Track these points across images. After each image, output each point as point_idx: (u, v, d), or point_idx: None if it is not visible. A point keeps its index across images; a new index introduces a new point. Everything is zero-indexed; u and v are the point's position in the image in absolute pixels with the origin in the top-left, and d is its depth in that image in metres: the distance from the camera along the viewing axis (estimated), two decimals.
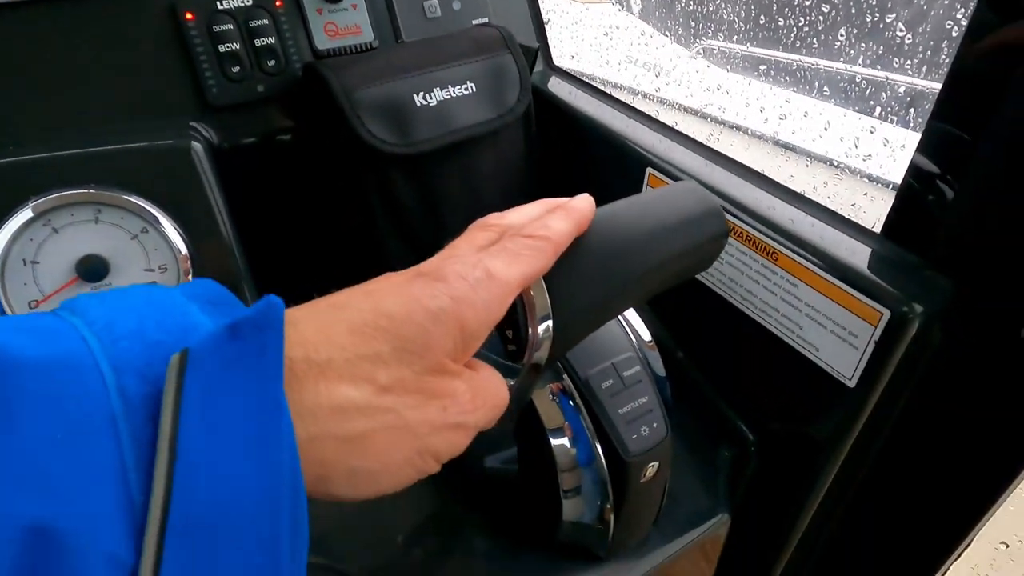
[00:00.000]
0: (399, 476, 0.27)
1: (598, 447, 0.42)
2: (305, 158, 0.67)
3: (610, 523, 0.45)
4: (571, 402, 0.43)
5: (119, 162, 0.52)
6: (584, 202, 0.36)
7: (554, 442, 0.42)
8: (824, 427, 0.52)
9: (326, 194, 0.66)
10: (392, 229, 0.66)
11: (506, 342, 0.39)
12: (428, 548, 0.50)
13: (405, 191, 0.65)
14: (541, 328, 0.35)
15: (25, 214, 0.49)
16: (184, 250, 0.55)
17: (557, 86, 0.79)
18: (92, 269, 0.53)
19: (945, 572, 0.56)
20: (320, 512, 0.50)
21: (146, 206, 0.52)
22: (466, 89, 0.66)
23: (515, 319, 0.36)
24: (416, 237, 0.68)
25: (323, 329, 0.26)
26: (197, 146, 0.55)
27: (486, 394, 0.30)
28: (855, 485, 0.55)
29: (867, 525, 0.58)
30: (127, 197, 0.51)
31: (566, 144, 0.75)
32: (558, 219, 0.34)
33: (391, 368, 0.26)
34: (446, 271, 0.29)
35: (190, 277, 0.55)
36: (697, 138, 0.64)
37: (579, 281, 0.36)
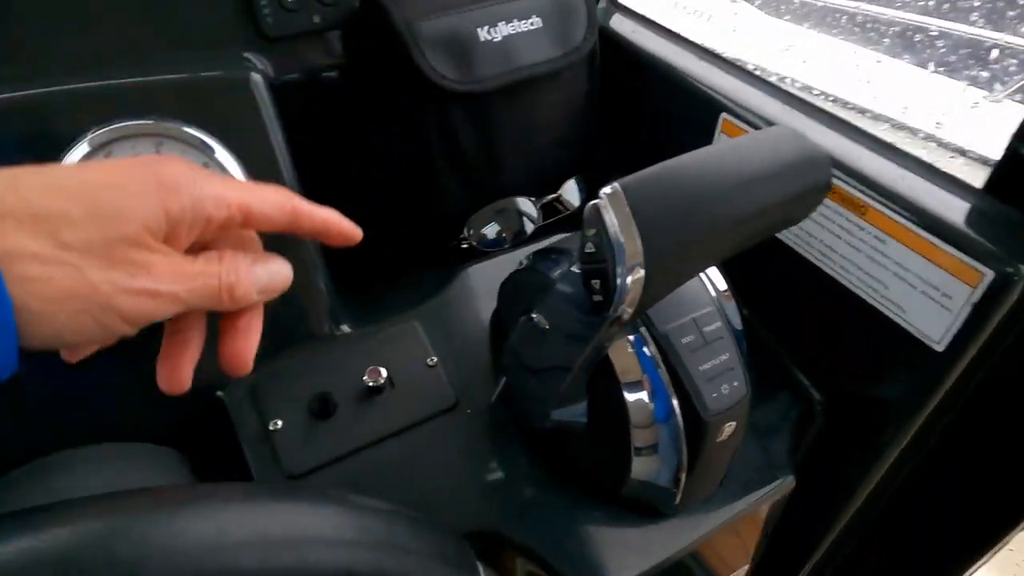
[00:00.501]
0: (79, 326, 0.26)
1: (675, 404, 0.41)
2: (361, 92, 0.64)
3: (681, 482, 0.44)
4: (648, 354, 0.41)
5: (180, 93, 0.50)
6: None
7: (629, 397, 0.41)
8: (900, 391, 0.50)
9: (381, 130, 0.64)
10: (448, 168, 0.64)
11: (592, 293, 0.37)
12: (489, 499, 0.49)
13: (464, 130, 0.62)
14: (631, 278, 0.33)
15: (82, 148, 0.47)
16: None
17: (620, 24, 0.75)
18: None
19: (1008, 541, 0.54)
20: (383, 460, 0.50)
21: (206, 139, 0.50)
22: (532, 24, 0.62)
23: (604, 269, 0.34)
24: (472, 176, 0.66)
25: (16, 187, 0.25)
26: (256, 77, 0.53)
27: (190, 273, 0.29)
28: (924, 452, 0.53)
29: (930, 493, 0.56)
30: (188, 130, 0.49)
31: (630, 86, 0.71)
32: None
33: (78, 230, 0.26)
34: (174, 161, 0.29)
35: None
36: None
37: (672, 227, 0.34)
